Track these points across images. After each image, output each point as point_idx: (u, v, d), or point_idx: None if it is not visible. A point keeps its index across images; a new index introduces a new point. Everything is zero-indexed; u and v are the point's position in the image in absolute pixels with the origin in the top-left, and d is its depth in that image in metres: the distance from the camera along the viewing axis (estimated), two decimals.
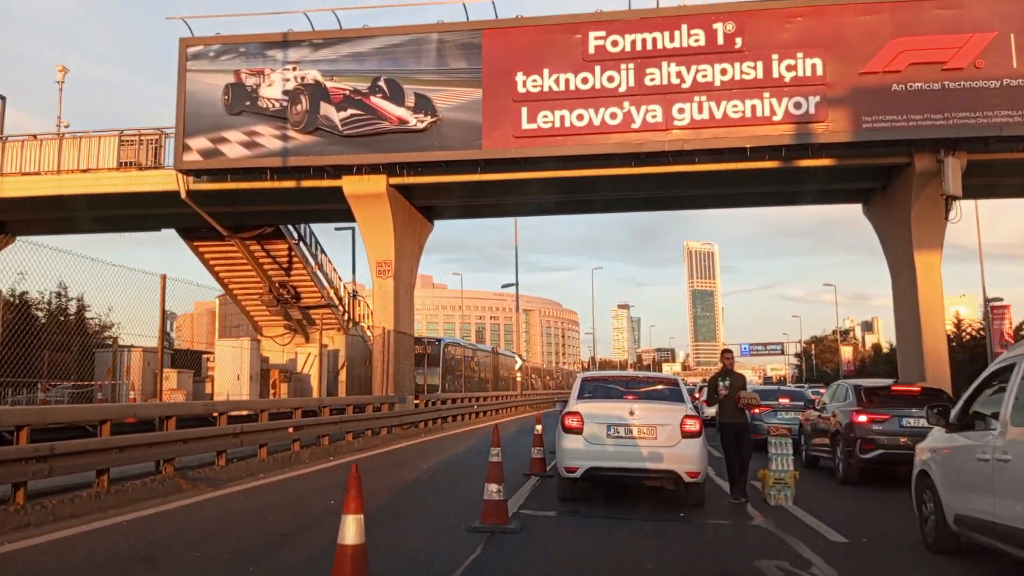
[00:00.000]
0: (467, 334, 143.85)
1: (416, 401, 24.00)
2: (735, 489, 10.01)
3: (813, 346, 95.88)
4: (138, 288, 11.35)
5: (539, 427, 13.18)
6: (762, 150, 19.59)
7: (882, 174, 21.48)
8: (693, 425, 8.99)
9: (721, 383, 10.29)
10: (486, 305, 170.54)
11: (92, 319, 30.64)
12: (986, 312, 39.20)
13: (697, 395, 25.54)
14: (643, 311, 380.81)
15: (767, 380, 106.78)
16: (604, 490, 10.30)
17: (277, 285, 29.37)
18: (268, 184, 21.79)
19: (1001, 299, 39.24)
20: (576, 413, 9.24)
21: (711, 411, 23.59)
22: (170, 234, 28.15)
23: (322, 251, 29.90)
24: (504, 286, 56.87)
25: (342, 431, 17.07)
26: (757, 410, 19.67)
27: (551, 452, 11.90)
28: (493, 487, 8.11)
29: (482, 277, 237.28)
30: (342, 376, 27.84)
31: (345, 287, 32.46)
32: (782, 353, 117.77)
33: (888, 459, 11.96)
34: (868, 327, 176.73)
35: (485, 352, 38.18)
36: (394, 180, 21.43)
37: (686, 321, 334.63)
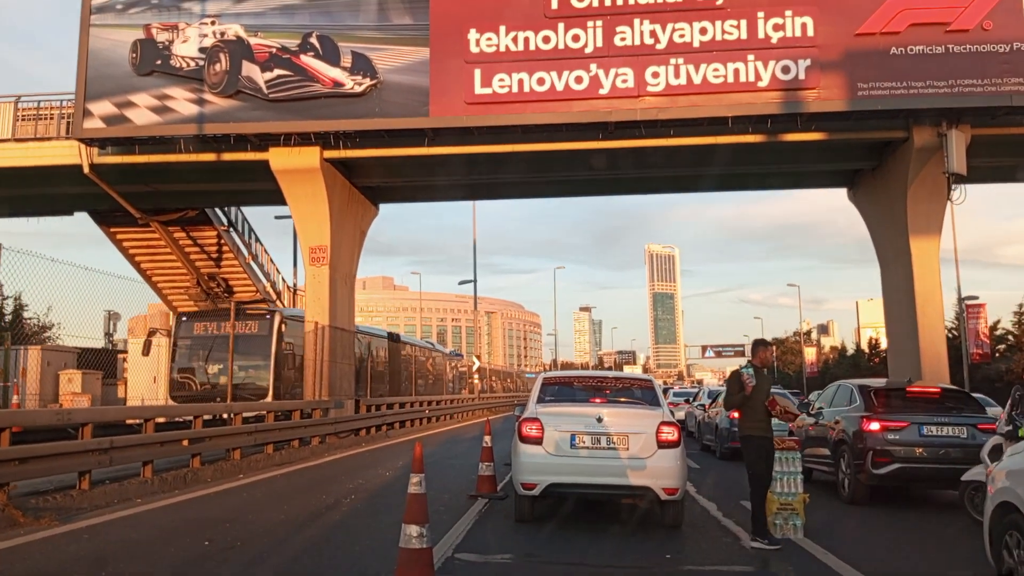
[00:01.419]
0: (428, 335, 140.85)
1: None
2: (760, 525, 7.56)
3: (775, 348, 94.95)
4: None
5: (488, 439, 10.81)
6: (745, 121, 17.36)
7: (874, 152, 19.45)
8: (671, 433, 7.79)
9: (745, 372, 7.87)
10: (448, 307, 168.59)
11: (31, 319, 28.18)
12: (961, 311, 37.75)
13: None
14: (605, 314, 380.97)
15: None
16: (567, 512, 8.71)
17: (206, 277, 26.54)
18: (183, 157, 18.97)
19: (976, 297, 37.84)
20: (535, 420, 7.94)
21: (680, 414, 21.58)
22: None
23: (256, 240, 27.13)
24: (461, 282, 54.01)
25: (259, 442, 14.43)
26: (737, 414, 17.48)
27: (506, 464, 9.99)
28: (413, 531, 5.83)
29: (444, 280, 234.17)
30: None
31: (284, 281, 29.70)
32: (744, 355, 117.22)
33: (906, 475, 10.00)
34: (824, 330, 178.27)
35: (376, 337, 26.43)
36: (329, 153, 18.76)
37: (647, 324, 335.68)
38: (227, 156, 19.01)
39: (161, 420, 12.84)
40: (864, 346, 64.66)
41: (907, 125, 17.72)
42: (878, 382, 12.28)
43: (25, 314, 27.59)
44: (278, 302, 28.23)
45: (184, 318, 19.97)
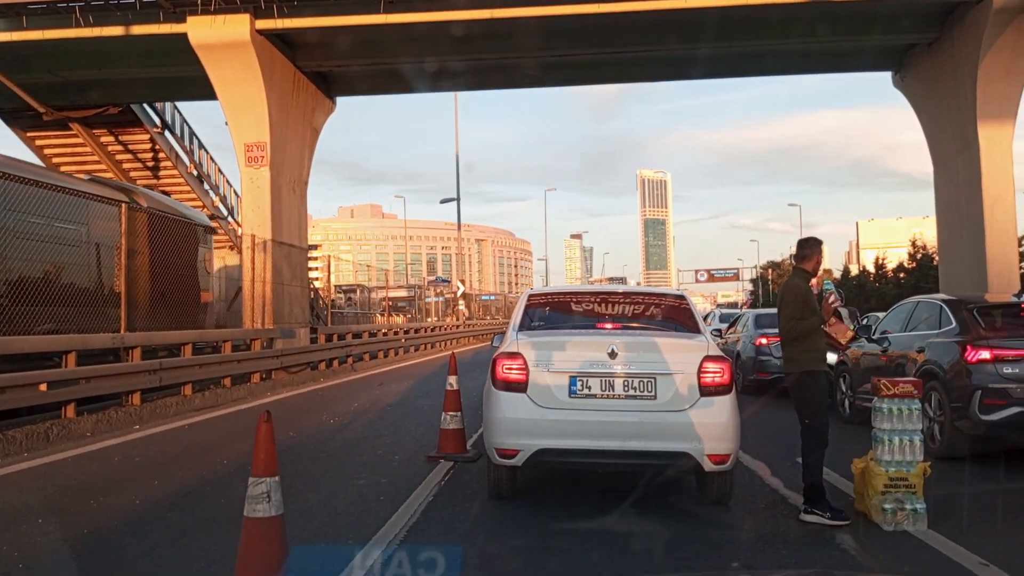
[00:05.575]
0: (417, 263, 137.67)
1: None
2: (819, 493, 5.26)
3: (770, 271, 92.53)
4: None
5: (453, 380, 7.76)
6: None
7: (933, 22, 15.92)
8: (719, 373, 5.33)
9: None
10: (438, 235, 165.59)
11: None
12: None
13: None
14: (596, 240, 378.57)
15: (720, 306, 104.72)
16: (565, 478, 6.40)
17: None
18: (84, 32, 15.25)
19: None
20: (516, 355, 5.46)
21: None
22: None
23: (201, 147, 23.49)
24: (443, 201, 50.55)
25: (168, 382, 11.34)
26: (764, 340, 14.53)
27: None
28: None
29: (434, 209, 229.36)
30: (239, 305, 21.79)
31: (238, 196, 26.17)
32: (737, 279, 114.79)
33: None
34: None
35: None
36: (263, 23, 15.07)
37: (638, 250, 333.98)
38: (137, 29, 15.30)
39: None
40: (870, 267, 62.05)
41: None
42: (975, 297, 9.23)
43: None
44: (230, 219, 24.83)
45: None
